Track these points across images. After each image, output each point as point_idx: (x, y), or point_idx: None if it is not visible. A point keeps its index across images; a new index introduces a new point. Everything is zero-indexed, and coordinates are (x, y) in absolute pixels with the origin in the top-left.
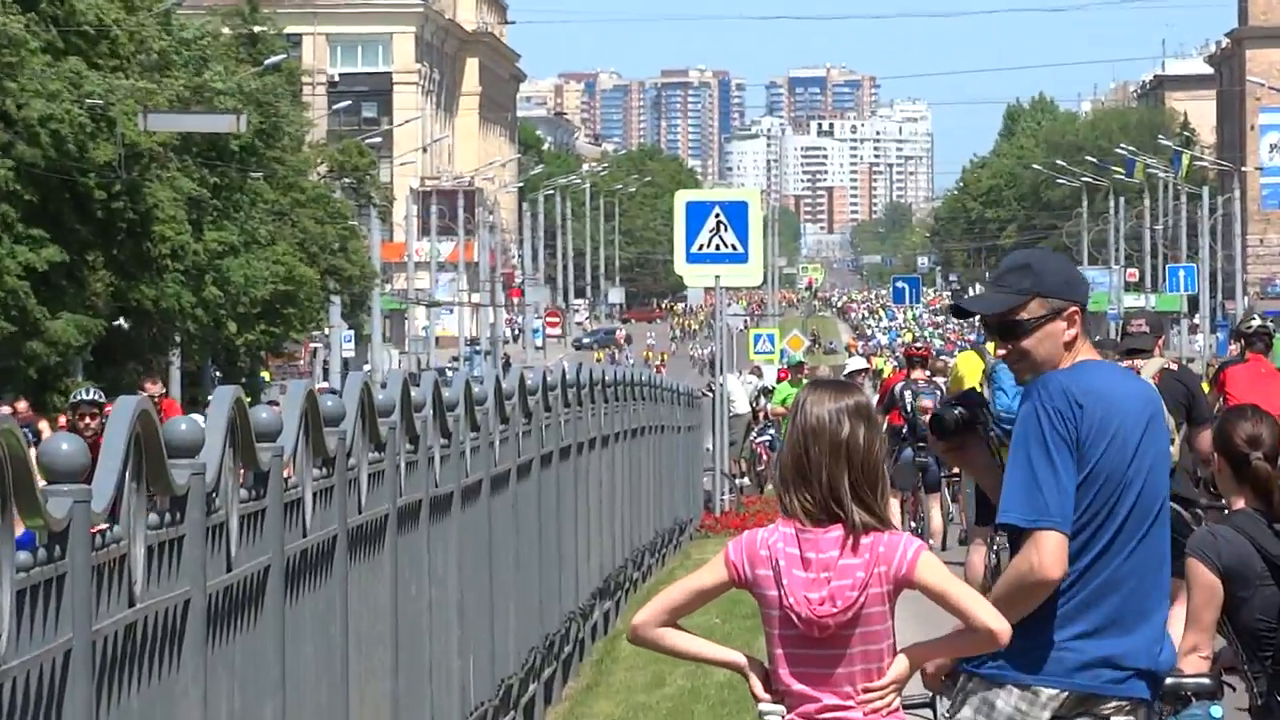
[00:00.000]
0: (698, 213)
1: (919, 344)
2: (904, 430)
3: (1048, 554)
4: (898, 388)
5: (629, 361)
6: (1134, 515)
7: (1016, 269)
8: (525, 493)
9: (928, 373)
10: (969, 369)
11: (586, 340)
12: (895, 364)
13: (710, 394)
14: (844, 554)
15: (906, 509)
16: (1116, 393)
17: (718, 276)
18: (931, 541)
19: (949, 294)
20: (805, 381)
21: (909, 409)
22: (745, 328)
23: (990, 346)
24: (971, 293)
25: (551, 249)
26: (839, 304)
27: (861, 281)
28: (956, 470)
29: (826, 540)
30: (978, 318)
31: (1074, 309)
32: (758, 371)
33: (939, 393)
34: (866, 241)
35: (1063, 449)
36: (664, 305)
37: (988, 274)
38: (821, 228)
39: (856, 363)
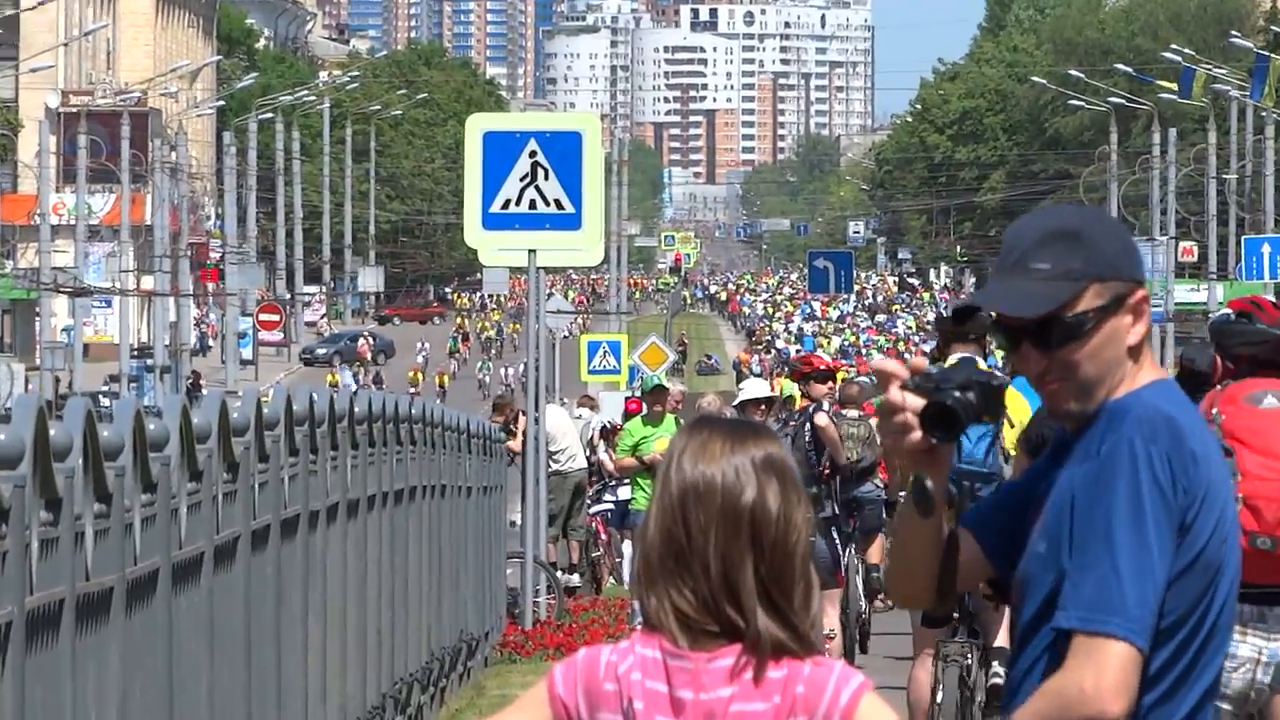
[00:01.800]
0: (502, 149)
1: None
2: (822, 489)
3: (1110, 674)
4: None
5: (385, 387)
6: (1226, 612)
7: (1061, 238)
8: (226, 588)
9: (837, 397)
10: (1016, 412)
11: (323, 351)
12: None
13: (515, 437)
14: (741, 692)
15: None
16: (1212, 436)
17: (533, 251)
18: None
19: (897, 278)
20: (670, 418)
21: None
22: (574, 332)
23: (996, 355)
24: (940, 278)
25: (270, 206)
26: (722, 295)
27: (759, 260)
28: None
29: (713, 671)
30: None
31: (1142, 292)
32: (590, 402)
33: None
34: (768, 197)
35: (1163, 527)
36: (449, 296)
37: (958, 248)
38: (697, 175)
39: (754, 387)
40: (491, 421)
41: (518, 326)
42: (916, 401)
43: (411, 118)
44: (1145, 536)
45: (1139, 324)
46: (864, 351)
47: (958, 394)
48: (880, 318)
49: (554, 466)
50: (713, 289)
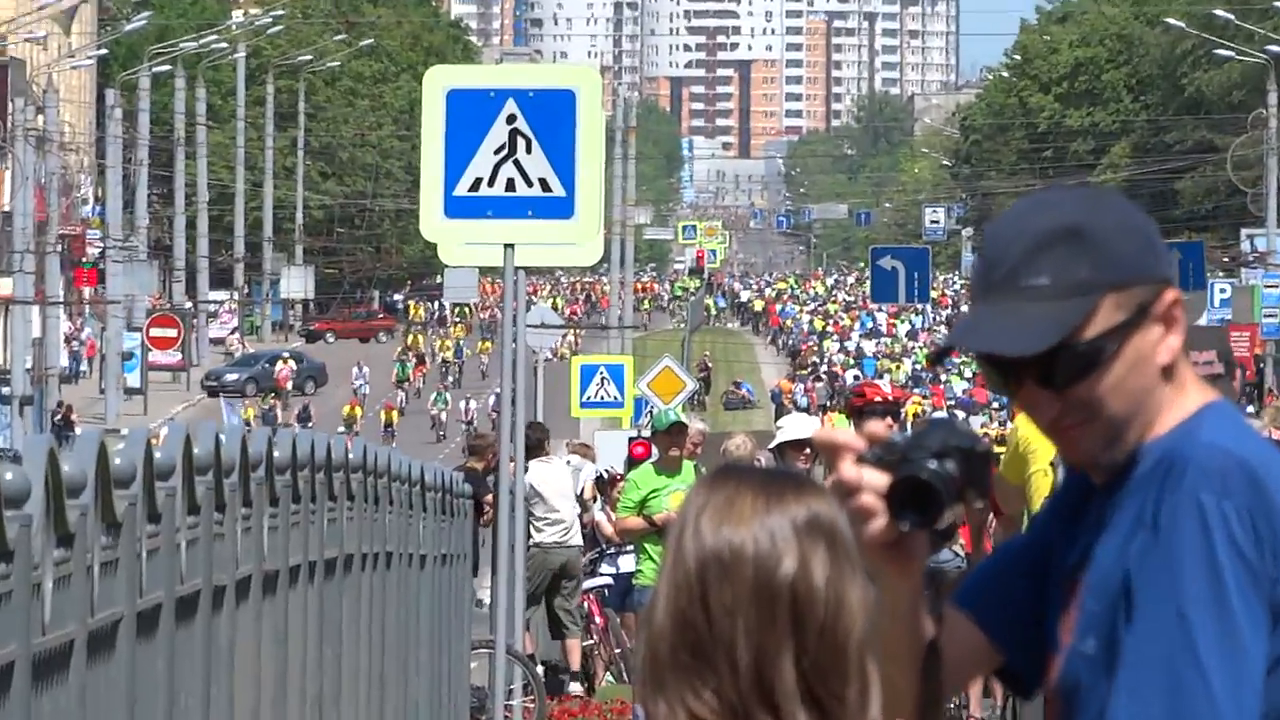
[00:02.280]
0: (471, 112)
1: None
2: None
3: None
4: None
5: (313, 424)
6: None
7: (1060, 240)
8: (103, 685)
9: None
10: (1042, 440)
11: (233, 377)
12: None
13: (479, 488)
14: None
15: None
16: None
17: (510, 246)
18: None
19: None
20: (689, 465)
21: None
22: (560, 353)
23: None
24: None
25: (166, 187)
26: (757, 304)
27: (807, 258)
28: None
29: None
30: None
31: (1171, 294)
32: (584, 450)
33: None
34: (819, 175)
35: (1254, 609)
36: (399, 306)
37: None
38: (726, 147)
39: (798, 426)
40: (467, 470)
41: (488, 346)
42: (877, 478)
43: (353, 71)
44: (1234, 628)
45: (1171, 335)
46: (943, 379)
47: (933, 464)
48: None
49: (534, 536)
50: (745, 296)
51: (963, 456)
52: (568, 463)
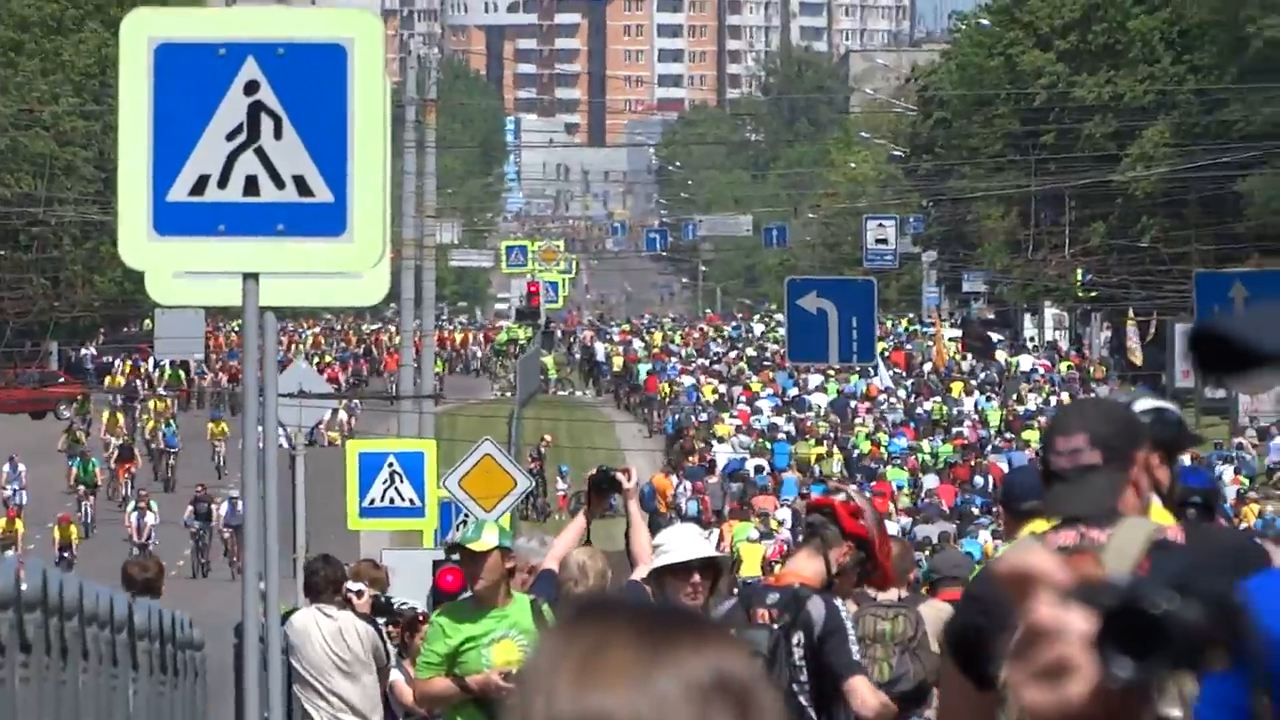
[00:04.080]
0: (191, 76)
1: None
2: None
3: None
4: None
5: None
6: None
7: None
8: None
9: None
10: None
11: None
12: (784, 539)
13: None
14: None
15: None
16: None
17: (251, 276)
18: None
19: (960, 329)
20: (521, 601)
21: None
22: (329, 437)
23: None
24: (1044, 329)
25: None
26: (616, 359)
27: (694, 294)
28: None
29: None
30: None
31: None
32: (370, 571)
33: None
34: (708, 171)
35: None
36: (89, 364)
37: (1079, 271)
38: (571, 130)
39: (683, 542)
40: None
41: (222, 428)
42: (1083, 623)
43: (13, 14)
44: None
45: None
46: (883, 473)
47: (1165, 604)
48: (927, 406)
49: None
50: (601, 351)
51: (1216, 603)
52: (349, 598)
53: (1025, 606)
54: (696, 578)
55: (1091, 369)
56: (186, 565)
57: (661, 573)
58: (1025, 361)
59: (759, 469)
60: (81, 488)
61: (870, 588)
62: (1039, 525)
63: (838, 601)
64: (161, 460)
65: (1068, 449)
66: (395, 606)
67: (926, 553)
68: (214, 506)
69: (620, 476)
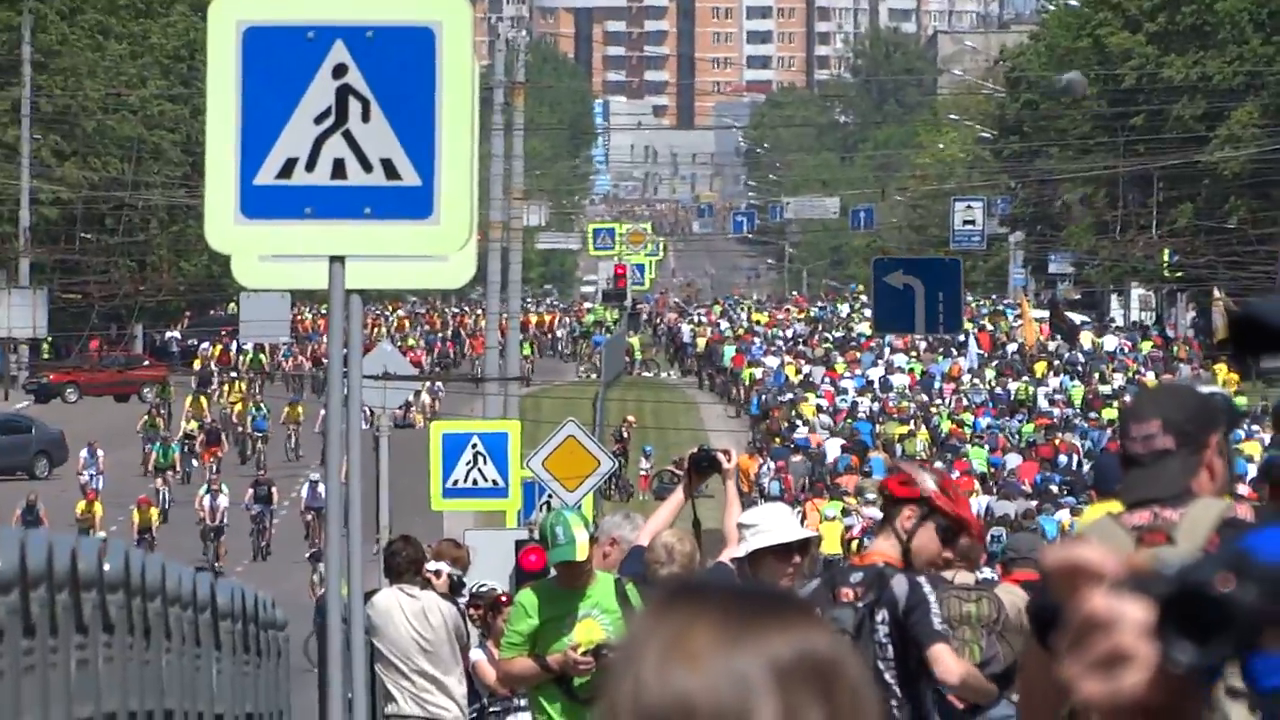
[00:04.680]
0: (278, 59)
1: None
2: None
3: None
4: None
5: (46, 522)
6: None
7: None
8: None
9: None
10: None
11: None
12: (872, 517)
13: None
14: None
15: None
16: None
17: (338, 259)
18: None
19: (1048, 309)
20: (607, 580)
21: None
22: (413, 418)
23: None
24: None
25: None
26: (700, 340)
27: (780, 275)
28: None
29: None
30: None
31: None
32: (453, 550)
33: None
34: (797, 154)
35: None
36: (174, 347)
37: (1167, 253)
38: (659, 112)
39: (776, 522)
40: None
41: (297, 410)
42: (1140, 612)
43: (104, 0)
44: None
45: None
46: (965, 452)
47: (1229, 589)
48: (1011, 387)
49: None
50: (687, 333)
51: (1271, 581)
52: (431, 576)
53: (1077, 599)
54: (797, 558)
55: (1176, 349)
56: (247, 548)
57: (760, 553)
58: (1109, 342)
59: (844, 448)
60: (157, 471)
61: (959, 568)
62: (1115, 505)
63: (921, 578)
64: (249, 444)
65: (1142, 434)
66: (473, 588)
67: (1004, 530)
68: (273, 489)
69: (720, 456)
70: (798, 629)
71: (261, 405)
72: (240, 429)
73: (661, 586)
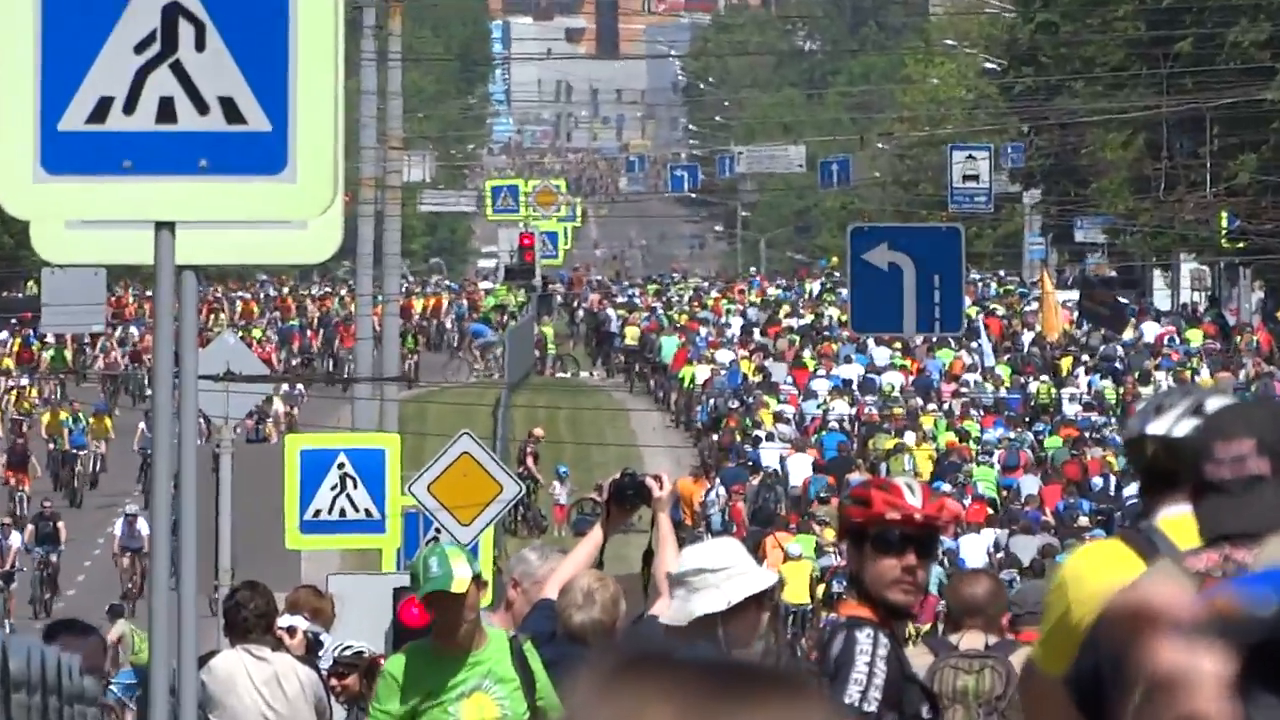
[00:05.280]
0: None
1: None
2: None
3: None
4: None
5: None
6: None
7: None
8: None
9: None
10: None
11: None
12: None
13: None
14: None
15: None
16: None
17: (166, 225)
18: None
19: (1079, 288)
20: (499, 639)
21: None
22: (265, 431)
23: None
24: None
25: None
26: (630, 331)
27: (731, 247)
28: None
29: None
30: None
31: None
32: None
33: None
34: (750, 92)
35: None
36: None
37: (1224, 214)
38: (571, 36)
39: (751, 566)
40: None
41: (107, 422)
42: (1215, 664)
43: None
44: None
45: None
46: (970, 472)
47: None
48: (1035, 386)
49: None
50: (614, 319)
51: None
52: (285, 632)
53: (1147, 651)
54: (762, 609)
55: (1238, 340)
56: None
57: (701, 618)
58: (1149, 329)
59: (816, 467)
60: None
61: (970, 627)
62: (1093, 561)
63: (863, 633)
64: (65, 467)
65: (1230, 456)
66: (336, 650)
67: (1016, 574)
68: (59, 524)
69: (650, 483)
70: (779, 708)
71: (80, 416)
72: (52, 445)
73: (607, 657)
